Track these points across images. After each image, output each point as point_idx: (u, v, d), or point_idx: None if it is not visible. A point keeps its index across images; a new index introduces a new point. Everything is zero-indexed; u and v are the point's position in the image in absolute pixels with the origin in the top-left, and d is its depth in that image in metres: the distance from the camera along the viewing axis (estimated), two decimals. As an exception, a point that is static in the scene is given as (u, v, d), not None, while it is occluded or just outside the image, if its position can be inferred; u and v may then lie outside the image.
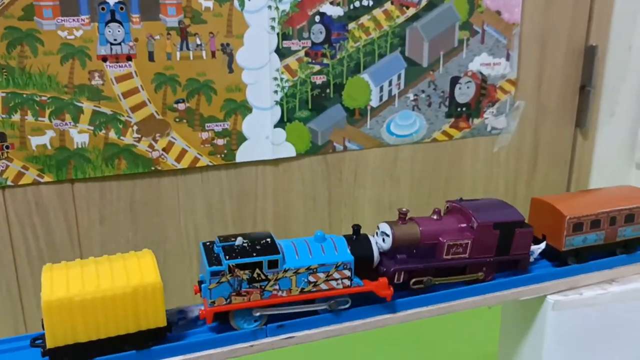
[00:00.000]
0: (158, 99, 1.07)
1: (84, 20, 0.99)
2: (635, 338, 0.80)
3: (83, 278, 0.59)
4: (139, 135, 1.08)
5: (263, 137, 1.15)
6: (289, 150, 1.18)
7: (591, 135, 1.44)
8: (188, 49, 1.06)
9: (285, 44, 1.12)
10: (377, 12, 1.16)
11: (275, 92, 1.14)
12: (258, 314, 0.64)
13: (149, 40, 1.04)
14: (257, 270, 0.62)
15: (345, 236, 0.68)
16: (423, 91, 1.25)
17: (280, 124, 1.16)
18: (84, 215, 1.09)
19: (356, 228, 0.69)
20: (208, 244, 0.65)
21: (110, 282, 0.59)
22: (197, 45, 1.07)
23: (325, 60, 1.16)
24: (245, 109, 1.13)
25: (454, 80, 1.26)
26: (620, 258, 0.80)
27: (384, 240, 0.69)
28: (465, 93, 1.28)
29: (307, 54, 1.14)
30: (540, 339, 0.77)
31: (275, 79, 1.13)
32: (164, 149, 1.10)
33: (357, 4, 1.14)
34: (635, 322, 0.79)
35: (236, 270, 0.61)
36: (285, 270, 0.63)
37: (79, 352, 0.59)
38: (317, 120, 1.19)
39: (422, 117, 1.26)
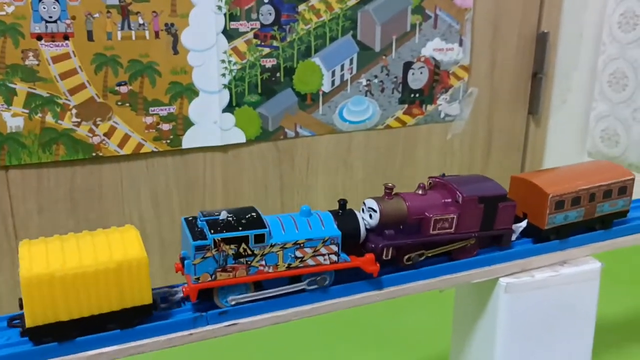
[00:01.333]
0: (98, 81, 1.02)
1: (15, -4, 0.93)
2: (585, 319, 0.79)
3: (64, 253, 0.54)
4: (79, 120, 1.02)
5: (211, 122, 1.11)
6: (239, 136, 1.14)
7: (543, 122, 1.44)
8: (130, 28, 1.01)
9: (233, 25, 1.08)
10: (328, -6, 1.13)
11: (223, 75, 1.10)
12: (233, 302, 0.61)
13: (87, 18, 0.98)
14: (243, 245, 0.59)
15: (330, 211, 0.65)
16: (376, 76, 1.22)
17: (229, 108, 1.12)
18: (20, 205, 1.03)
19: (342, 203, 0.66)
20: (190, 218, 0.62)
21: (92, 257, 0.55)
22: (140, 25, 1.02)
23: (275, 43, 1.12)
24: (191, 92, 1.08)
25: (407, 66, 1.24)
26: (600, 233, 0.79)
27: (370, 216, 0.66)
28: (418, 79, 1.26)
29: (256, 36, 1.10)
30: (492, 321, 0.76)
31: (223, 61, 1.09)
32: (105, 134, 1.04)
33: (307, -16, 1.11)
34: (585, 304, 0.78)
35: (222, 244, 0.58)
36: (272, 245, 0.60)
37: (61, 331, 0.55)
38: (268, 105, 1.15)
39: (375, 103, 1.24)
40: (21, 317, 0.56)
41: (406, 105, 1.27)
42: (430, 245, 0.69)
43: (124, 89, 1.04)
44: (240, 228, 0.59)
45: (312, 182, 1.24)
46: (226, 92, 1.11)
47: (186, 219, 0.62)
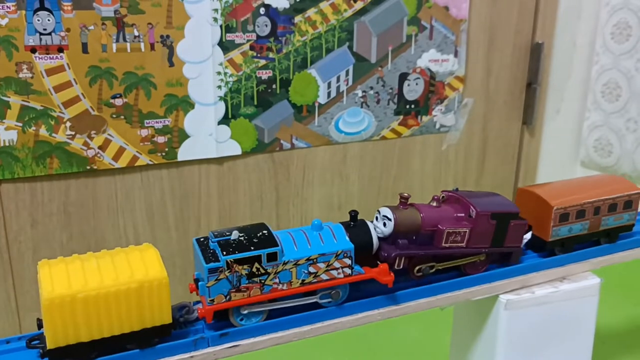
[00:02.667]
0: (93, 94, 1.01)
1: (9, 8, 0.92)
2: (584, 334, 0.79)
3: (85, 273, 0.54)
4: (73, 132, 1.01)
5: (206, 135, 1.10)
6: (234, 148, 1.13)
7: (538, 132, 1.44)
8: (125, 40, 1.01)
9: (229, 36, 1.07)
10: (324, 5, 1.13)
11: (219, 87, 1.09)
12: (246, 311, 0.61)
13: (82, 30, 0.97)
14: (256, 265, 0.59)
15: (342, 223, 0.66)
16: (371, 88, 1.22)
17: (225, 120, 1.11)
18: (13, 219, 1.02)
19: (353, 214, 0.66)
20: (202, 239, 0.62)
21: (113, 277, 0.54)
22: (135, 37, 1.01)
23: (271, 55, 1.11)
24: (187, 104, 1.08)
25: (403, 77, 1.24)
26: (604, 247, 0.79)
27: (385, 224, 0.66)
28: (413, 90, 1.26)
29: (252, 48, 1.10)
30: (492, 338, 0.76)
31: (219, 73, 1.08)
32: (100, 147, 1.03)
33: (303, -4, 1.11)
34: (584, 319, 0.78)
35: (234, 265, 0.58)
36: (285, 263, 0.61)
37: (81, 353, 0.55)
38: (263, 117, 1.14)
39: (371, 114, 1.24)
40: (40, 337, 0.57)
41: (401, 116, 1.27)
42: (441, 258, 0.69)
43: (118, 102, 1.03)
44: (252, 248, 0.59)
45: (307, 194, 1.23)
46: (222, 104, 1.10)
47: (197, 240, 0.62)
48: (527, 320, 0.75)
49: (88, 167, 1.03)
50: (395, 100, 1.25)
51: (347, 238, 0.64)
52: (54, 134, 1.00)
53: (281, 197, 1.21)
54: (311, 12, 1.12)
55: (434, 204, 0.70)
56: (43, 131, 0.99)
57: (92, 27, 0.98)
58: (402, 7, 1.20)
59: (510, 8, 1.31)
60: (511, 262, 0.74)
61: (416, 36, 1.23)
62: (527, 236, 0.77)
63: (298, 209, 1.23)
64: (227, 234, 0.60)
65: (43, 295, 0.52)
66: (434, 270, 0.69)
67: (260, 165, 1.17)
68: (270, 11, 1.09)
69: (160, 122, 1.06)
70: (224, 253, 0.58)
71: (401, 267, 0.67)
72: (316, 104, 1.18)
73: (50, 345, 0.54)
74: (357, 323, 0.67)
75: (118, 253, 0.58)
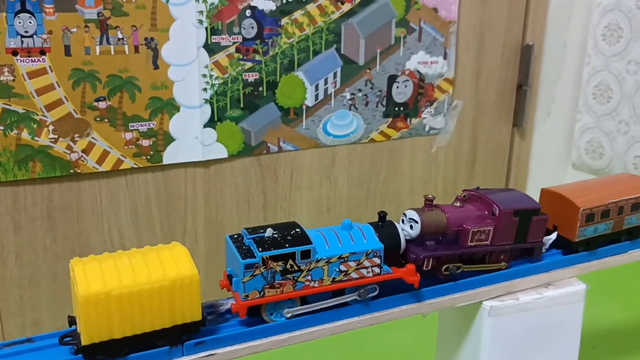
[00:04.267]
0: (76, 97, 1.00)
1: (-11, 10, 0.91)
2: (569, 341, 0.78)
3: (118, 271, 0.55)
4: (56, 136, 1.00)
5: (192, 138, 1.09)
6: (220, 152, 1.12)
7: (528, 134, 1.43)
8: (109, 43, 0.99)
9: (215, 39, 1.06)
10: (311, 7, 1.12)
11: (205, 89, 1.08)
12: (289, 315, 0.63)
13: (64, 33, 0.96)
14: (290, 261, 0.61)
15: (371, 223, 0.67)
16: (360, 90, 1.21)
17: (211, 123, 1.10)
18: (-5, 223, 1.01)
19: (382, 215, 0.67)
20: (235, 236, 0.63)
21: (146, 275, 0.56)
22: (119, 39, 1.00)
23: (258, 57, 1.10)
24: (172, 107, 1.06)
25: (391, 79, 1.23)
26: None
27: (411, 227, 0.68)
28: (402, 92, 1.25)
29: (237, 50, 1.09)
30: (477, 345, 0.74)
31: (204, 75, 1.07)
32: (83, 151, 1.02)
33: (290, -2, 1.10)
34: (570, 326, 0.77)
35: (270, 262, 0.60)
36: (318, 260, 0.62)
37: (113, 349, 0.56)
38: (250, 119, 1.13)
39: (359, 116, 1.23)
40: (73, 334, 0.58)
41: (390, 119, 1.26)
42: (467, 257, 0.71)
43: (102, 105, 1.02)
44: (286, 245, 0.61)
45: (295, 197, 1.22)
46: (208, 107, 1.09)
47: (231, 237, 0.63)
48: (511, 326, 0.74)
49: (72, 171, 1.02)
50: (384, 102, 1.24)
51: (377, 238, 0.65)
52: (36, 138, 0.99)
53: (269, 201, 1.20)
54: (298, 14, 1.11)
55: (457, 203, 0.71)
56: (25, 135, 0.98)
57: (74, 30, 0.97)
58: (390, 9, 1.19)
59: (500, 9, 1.30)
60: (534, 256, 0.75)
61: (405, 38, 1.22)
62: (553, 237, 0.78)
63: (286, 213, 1.22)
64: (261, 231, 0.62)
65: (79, 292, 0.54)
66: (460, 270, 0.70)
67: (247, 168, 1.16)
68: (256, 13, 1.08)
69: (145, 125, 1.05)
70: (260, 249, 0.60)
71: (429, 268, 0.68)
72: (304, 107, 1.17)
73: (84, 341, 0.55)
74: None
75: (149, 251, 0.59)
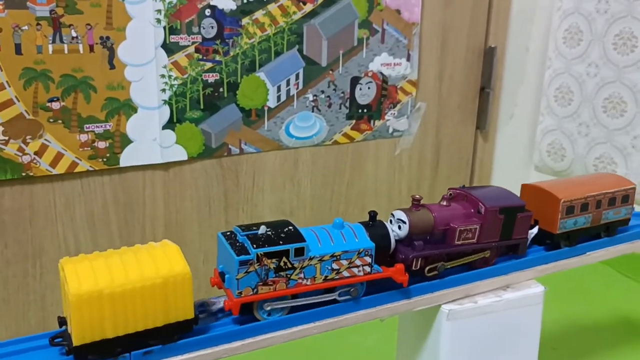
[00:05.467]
0: (28, 97, 0.96)
1: None
2: (529, 344, 0.78)
3: (110, 270, 0.55)
4: (6, 138, 0.96)
5: (150, 140, 1.07)
6: (180, 154, 1.10)
7: (491, 136, 1.44)
8: (62, 41, 0.96)
9: (173, 38, 1.04)
10: (273, 7, 1.10)
11: (163, 90, 1.05)
12: (280, 307, 0.63)
13: (15, 30, 0.93)
14: (284, 259, 0.61)
15: (361, 223, 0.68)
16: (323, 91, 1.20)
17: (170, 125, 1.08)
18: (-58, 228, 0.97)
19: (372, 214, 0.68)
20: (228, 233, 0.63)
21: (139, 273, 0.55)
22: (73, 38, 0.97)
23: (218, 57, 1.08)
24: (129, 108, 1.04)
25: (355, 81, 1.23)
26: (549, 254, 0.81)
27: (400, 227, 0.69)
28: (366, 94, 1.24)
29: (197, 50, 1.07)
30: (436, 349, 0.74)
31: (163, 76, 1.05)
32: (36, 153, 0.99)
33: (250, -3, 1.08)
34: (529, 328, 0.77)
35: (264, 259, 0.60)
36: (311, 258, 0.62)
37: (106, 349, 0.55)
38: (210, 121, 1.11)
39: (322, 118, 1.22)
40: (63, 335, 0.57)
41: (354, 121, 1.25)
42: (454, 255, 0.72)
43: (56, 105, 0.98)
44: (280, 242, 0.61)
45: (257, 200, 1.20)
46: (166, 108, 1.07)
47: (223, 234, 0.63)
48: (470, 330, 0.74)
49: (24, 174, 0.99)
50: (347, 104, 1.23)
51: (368, 237, 0.65)
52: (-15, 139, 0.95)
53: (230, 204, 1.18)
54: (259, 14, 1.10)
55: (444, 202, 0.72)
56: (-26, 136, 0.94)
57: (26, 27, 0.93)
58: (353, 10, 1.18)
59: (463, 12, 1.30)
60: (519, 253, 0.76)
61: (368, 39, 1.21)
62: (534, 231, 0.79)
63: (248, 215, 1.20)
64: (255, 228, 0.62)
65: (70, 291, 0.52)
66: (448, 267, 0.71)
67: (208, 170, 1.14)
68: (216, 12, 1.06)
69: (101, 126, 1.02)
70: (254, 246, 0.59)
71: (418, 267, 0.69)
72: (265, 108, 1.16)
73: (76, 342, 0.54)
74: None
75: (140, 250, 0.58)
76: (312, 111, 1.20)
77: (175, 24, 1.04)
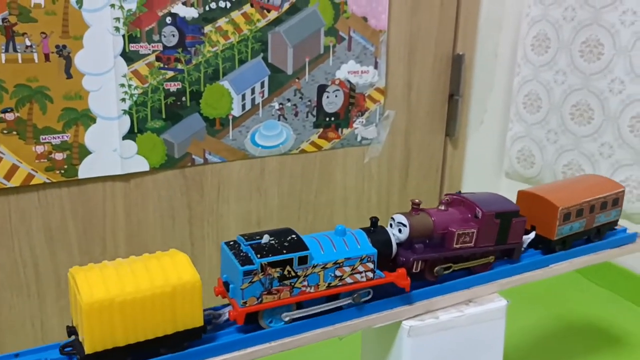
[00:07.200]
0: (-20, 108, 0.93)
1: None
2: (492, 358, 0.76)
3: (121, 278, 0.55)
4: (-42, 150, 0.93)
5: (110, 150, 1.04)
6: (141, 164, 1.07)
7: (461, 144, 1.43)
8: (15, 50, 0.93)
9: (133, 47, 1.01)
10: (236, 15, 1.08)
11: (123, 100, 1.03)
12: (287, 318, 0.63)
13: (-35, 40, 0.90)
14: (288, 267, 0.61)
15: (363, 229, 0.68)
16: (289, 100, 1.18)
17: (130, 135, 1.05)
18: None
19: (374, 220, 0.69)
20: (232, 242, 0.64)
21: (149, 281, 0.56)
22: (27, 47, 0.94)
23: (180, 66, 1.06)
24: (87, 118, 1.01)
25: (321, 89, 1.21)
26: (508, 268, 0.80)
27: (400, 231, 0.70)
28: (333, 102, 1.23)
29: (158, 59, 1.04)
30: (398, 366, 0.72)
31: (122, 85, 1.02)
32: (-11, 165, 0.96)
33: (212, 5, 1.06)
34: (493, 343, 0.76)
35: (268, 268, 0.60)
36: (314, 266, 0.63)
37: (116, 357, 0.55)
38: (173, 130, 1.09)
39: (289, 127, 1.20)
40: (73, 344, 0.57)
41: (321, 129, 1.23)
42: (453, 259, 0.72)
43: (9, 116, 0.95)
44: (284, 251, 0.61)
45: (223, 211, 1.18)
46: (127, 118, 1.04)
47: (227, 244, 0.63)
48: (432, 346, 0.72)
49: (-24, 187, 0.96)
50: (315, 112, 1.22)
51: (370, 243, 0.66)
52: None
53: (194, 215, 1.15)
54: (222, 22, 1.08)
55: (442, 207, 0.73)
56: None
57: (-23, 36, 0.90)
58: (319, 18, 1.16)
59: (431, 19, 1.29)
60: (513, 257, 0.77)
61: (334, 47, 1.20)
62: (531, 236, 0.81)
63: (213, 227, 1.18)
64: (258, 237, 0.62)
65: (83, 300, 0.53)
66: (450, 271, 0.72)
67: (171, 181, 1.11)
68: (177, 20, 1.04)
69: (58, 137, 0.99)
70: (258, 256, 0.60)
71: (419, 270, 0.70)
72: (230, 117, 1.13)
73: (88, 350, 0.54)
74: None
75: (149, 258, 0.59)
76: (279, 120, 1.18)
77: (135, 32, 1.01)
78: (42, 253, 1.03)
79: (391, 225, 0.71)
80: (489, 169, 1.50)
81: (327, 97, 1.22)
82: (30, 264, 1.03)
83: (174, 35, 1.04)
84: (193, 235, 1.16)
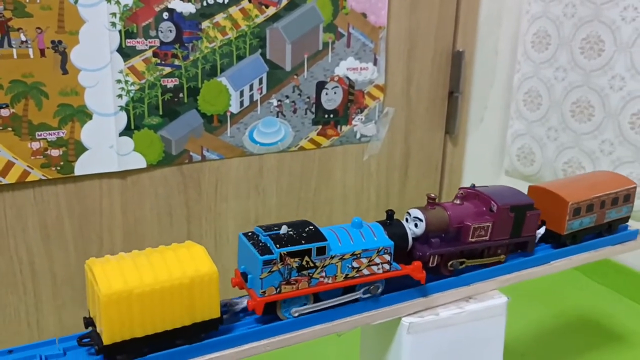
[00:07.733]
0: (-25, 104, 0.92)
1: None
2: (492, 355, 0.76)
3: (139, 270, 0.56)
4: (-48, 146, 0.92)
5: (106, 147, 1.03)
6: (138, 161, 1.06)
7: (461, 141, 1.42)
8: (11, 46, 0.92)
9: (129, 42, 1.01)
10: (234, 11, 1.07)
11: (120, 96, 1.02)
12: (303, 311, 0.64)
13: (-41, 35, 0.89)
14: (307, 258, 0.62)
15: (379, 222, 0.68)
16: (287, 96, 1.17)
17: (127, 131, 1.04)
18: None
19: (390, 213, 0.69)
20: (250, 233, 0.64)
21: (167, 273, 0.56)
22: (22, 42, 0.93)
23: (177, 62, 1.05)
24: (84, 115, 1.00)
25: (320, 86, 1.20)
26: (511, 264, 0.80)
27: (416, 225, 0.70)
28: (332, 99, 1.22)
29: (155, 55, 1.03)
30: (397, 363, 0.71)
31: (119, 81, 1.01)
32: (-16, 162, 0.95)
33: (210, 0, 1.05)
34: (493, 340, 0.75)
35: (287, 258, 0.61)
36: (332, 257, 0.63)
37: (134, 348, 0.56)
38: (170, 127, 1.08)
39: (288, 124, 1.19)
40: (90, 335, 0.58)
41: (320, 126, 1.23)
42: (468, 252, 0.73)
43: (5, 112, 0.94)
44: (302, 242, 0.61)
45: (221, 209, 1.17)
46: (123, 115, 1.03)
47: (245, 234, 0.64)
48: (431, 343, 0.71)
49: (-29, 184, 0.95)
50: (313, 109, 1.21)
51: (386, 236, 0.66)
52: None
53: (192, 213, 1.14)
54: (220, 18, 1.07)
55: (457, 201, 0.73)
56: None
57: (-29, 31, 0.89)
58: (318, 14, 1.15)
59: (430, 15, 1.28)
60: (527, 250, 0.78)
61: (333, 44, 1.19)
62: (542, 230, 0.81)
63: (211, 225, 1.17)
64: (276, 228, 0.63)
65: (101, 291, 0.53)
66: (464, 265, 0.72)
67: (168, 178, 1.10)
68: (174, 16, 1.03)
69: (54, 133, 0.99)
70: (277, 246, 0.60)
71: (435, 264, 0.70)
72: (228, 114, 1.12)
73: (106, 341, 0.54)
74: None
75: (166, 250, 0.59)
76: (277, 117, 1.17)
77: (131, 28, 1.00)
78: (38, 250, 1.02)
79: (407, 220, 0.71)
80: (489, 166, 1.49)
81: (326, 94, 1.21)
82: (26, 262, 1.02)
83: (171, 31, 1.03)
84: (191, 233, 1.15)
